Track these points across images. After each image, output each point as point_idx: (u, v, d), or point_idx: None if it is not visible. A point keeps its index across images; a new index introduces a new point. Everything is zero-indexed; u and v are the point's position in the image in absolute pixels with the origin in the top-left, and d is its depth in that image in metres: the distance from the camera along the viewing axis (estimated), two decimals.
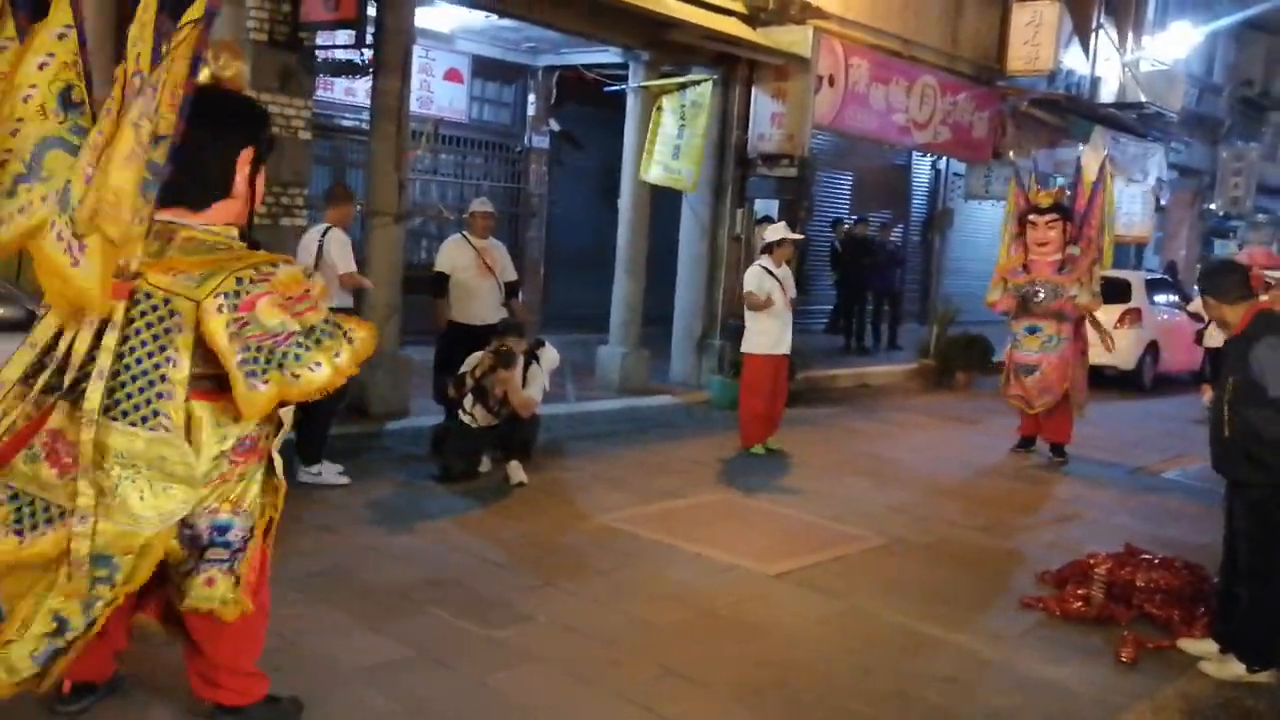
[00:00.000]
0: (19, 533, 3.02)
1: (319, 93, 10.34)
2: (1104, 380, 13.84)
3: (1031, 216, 9.06)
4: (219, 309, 2.99)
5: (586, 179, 14.21)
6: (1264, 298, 5.71)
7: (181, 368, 3.04)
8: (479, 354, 7.19)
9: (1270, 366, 4.43)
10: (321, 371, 3.11)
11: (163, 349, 3.04)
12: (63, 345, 3.06)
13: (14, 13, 2.96)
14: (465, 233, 8.42)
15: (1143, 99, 18.41)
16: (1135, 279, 14.91)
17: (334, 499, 6.47)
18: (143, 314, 3.05)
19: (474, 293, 8.13)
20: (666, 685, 4.21)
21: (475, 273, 8.18)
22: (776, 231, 8.79)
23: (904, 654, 4.71)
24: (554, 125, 13.70)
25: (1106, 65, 18.16)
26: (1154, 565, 5.61)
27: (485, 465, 7.29)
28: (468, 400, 7.14)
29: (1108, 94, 18.31)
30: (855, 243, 15.14)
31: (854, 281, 15.10)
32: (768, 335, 8.49)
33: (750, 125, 11.70)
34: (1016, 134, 16.44)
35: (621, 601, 5.09)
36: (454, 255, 8.26)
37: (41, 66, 2.89)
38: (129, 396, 3.03)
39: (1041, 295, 8.92)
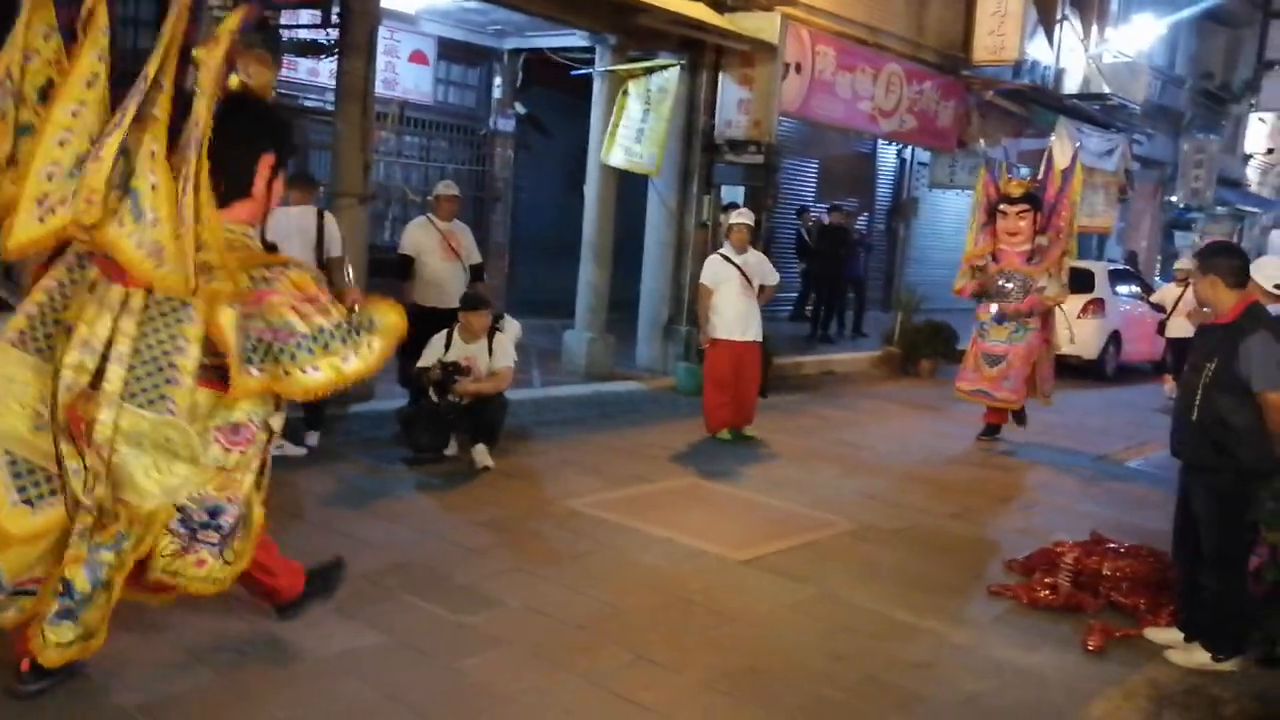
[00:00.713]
0: (29, 502, 3.26)
1: (283, 73, 10.19)
2: (1067, 370, 13.96)
3: (1003, 206, 9.00)
4: (228, 301, 3.24)
5: (552, 163, 14.11)
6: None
7: (190, 356, 3.25)
8: (439, 337, 7.16)
9: (1261, 361, 4.43)
10: (316, 376, 3.36)
11: (174, 338, 3.26)
12: (83, 329, 3.24)
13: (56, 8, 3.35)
14: (430, 215, 8.34)
15: (1106, 90, 18.56)
16: (1098, 269, 15.05)
17: (299, 483, 6.38)
18: (158, 304, 3.26)
19: (438, 276, 8.06)
20: (638, 671, 4.17)
21: (440, 256, 8.11)
22: (732, 216, 8.85)
23: (875, 640, 4.71)
24: (520, 109, 13.59)
25: (1071, 56, 18.28)
26: (1120, 553, 5.64)
27: (452, 449, 7.23)
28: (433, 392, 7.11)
29: (1072, 85, 18.44)
30: (822, 231, 15.14)
31: (821, 269, 15.08)
32: (724, 320, 8.46)
33: (717, 111, 11.65)
34: (982, 124, 16.51)
35: (592, 587, 5.05)
36: (418, 238, 8.19)
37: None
38: (138, 380, 3.23)
39: (1010, 286, 8.89)
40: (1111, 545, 5.83)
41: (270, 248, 3.67)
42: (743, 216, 8.78)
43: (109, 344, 3.21)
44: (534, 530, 5.88)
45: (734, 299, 8.47)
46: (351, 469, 6.86)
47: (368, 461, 7.07)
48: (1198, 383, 4.60)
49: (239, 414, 3.41)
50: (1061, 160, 9.86)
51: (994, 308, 9.01)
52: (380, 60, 9.97)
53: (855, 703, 4.07)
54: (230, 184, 3.38)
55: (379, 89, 9.83)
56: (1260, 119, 27.76)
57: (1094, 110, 18.84)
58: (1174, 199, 23.98)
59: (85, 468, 3.22)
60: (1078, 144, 16.09)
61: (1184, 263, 13.96)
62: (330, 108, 9.03)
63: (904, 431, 9.75)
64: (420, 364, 7.19)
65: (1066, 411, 10.59)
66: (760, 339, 8.70)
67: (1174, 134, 23.41)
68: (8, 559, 3.28)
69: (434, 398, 7.10)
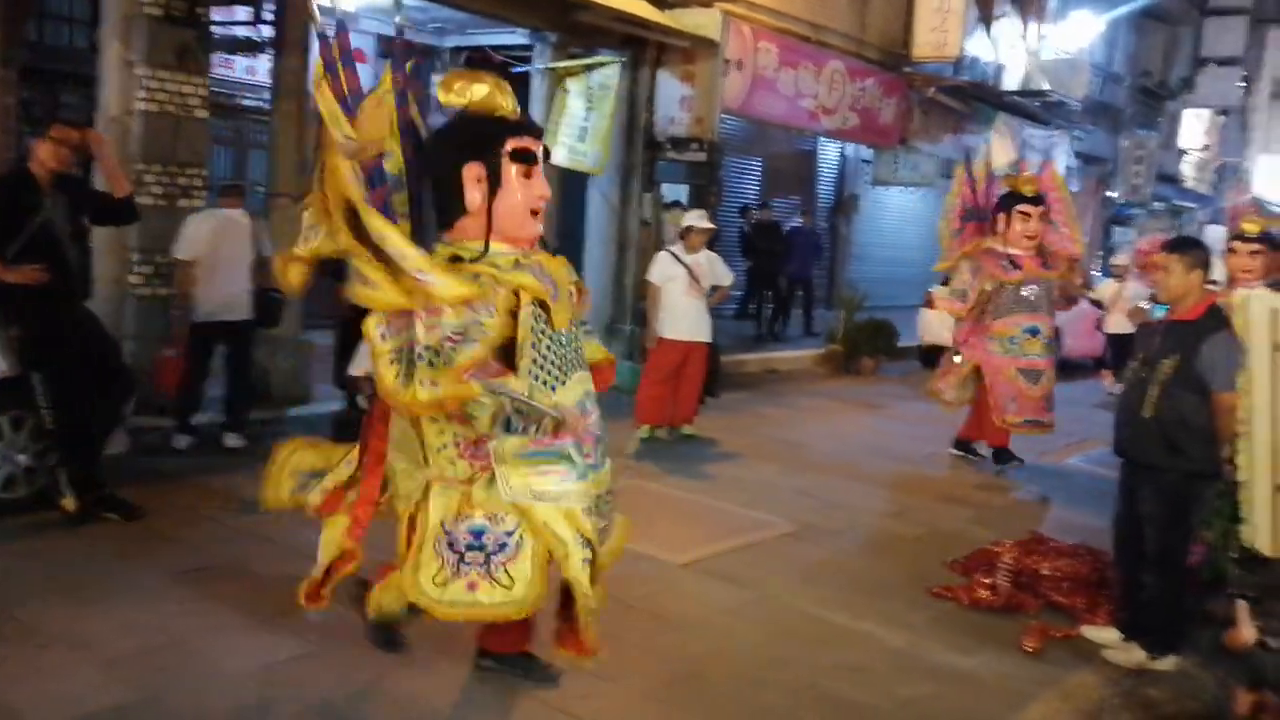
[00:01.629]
0: None
1: (220, 71, 10.01)
2: None
3: (1022, 208, 8.07)
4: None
5: None
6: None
7: None
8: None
9: (1221, 362, 4.40)
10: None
11: None
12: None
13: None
14: None
15: (1046, 87, 18.75)
16: None
17: (229, 486, 6.24)
18: None
19: None
20: (575, 681, 4.09)
21: None
22: (688, 219, 8.75)
23: (816, 644, 4.67)
24: None
25: (1011, 53, 18.44)
26: (1059, 553, 5.67)
27: None
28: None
29: (1013, 81, 18.60)
30: (757, 228, 15.10)
31: (758, 267, 15.02)
32: (670, 319, 8.41)
33: (658, 108, 11.61)
34: (924, 120, 16.62)
35: None
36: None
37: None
38: None
39: (1034, 296, 8.15)
40: (1051, 545, 5.85)
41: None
42: (702, 220, 8.69)
43: None
44: None
45: (680, 298, 8.41)
46: None
47: None
48: (1150, 379, 4.55)
49: (462, 431, 3.43)
50: (1002, 157, 9.75)
51: (1025, 320, 8.13)
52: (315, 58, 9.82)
53: (796, 710, 4.03)
54: (445, 205, 3.53)
55: None
56: (1196, 115, 28.27)
57: (1034, 107, 19.04)
58: (1114, 195, 24.32)
59: None
60: (1018, 141, 16.24)
61: (1122, 258, 14.15)
62: (268, 106, 8.86)
63: (845, 430, 9.76)
64: (352, 369, 7.06)
65: None
66: (708, 339, 8.65)
67: (1113, 130, 23.74)
68: None
69: (365, 406, 6.97)
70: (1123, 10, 21.36)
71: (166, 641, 4.06)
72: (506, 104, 3.53)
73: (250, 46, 8.80)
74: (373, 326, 3.34)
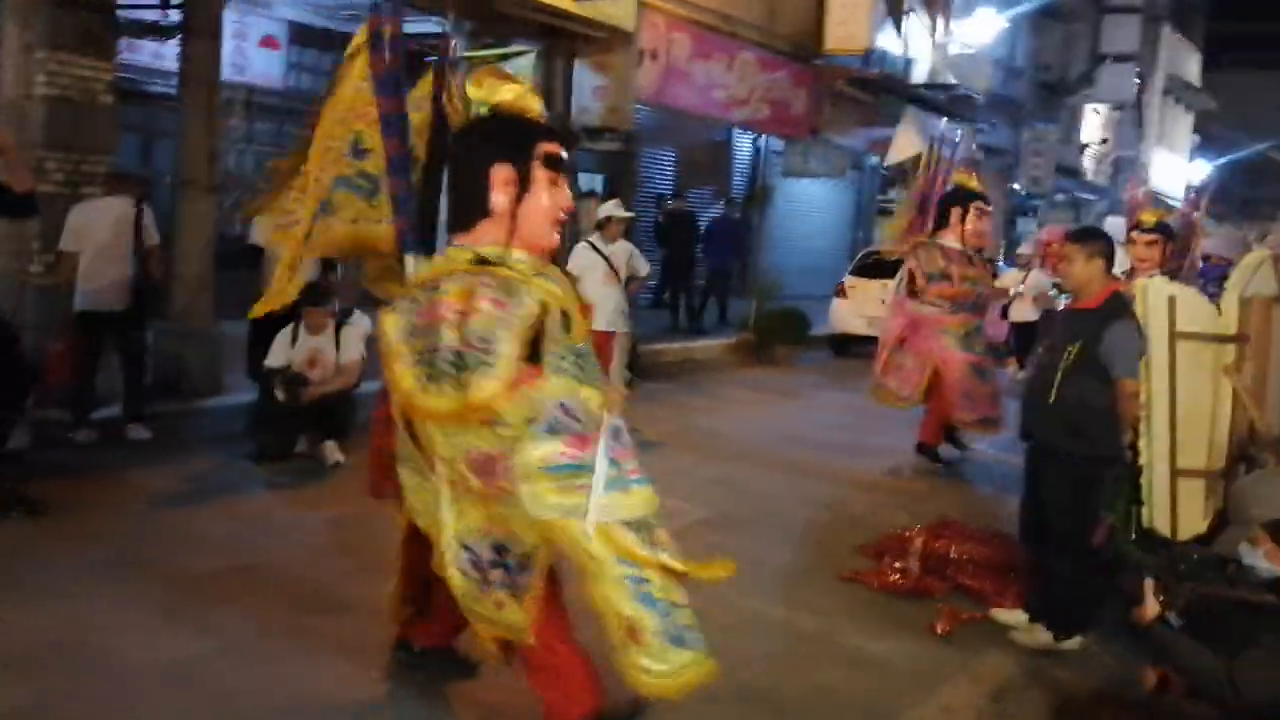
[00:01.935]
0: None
1: (125, 56, 9.74)
2: None
3: (980, 205, 8.05)
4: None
5: None
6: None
7: None
8: (286, 331, 6.96)
9: (1122, 348, 4.57)
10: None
11: None
12: None
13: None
14: None
15: (952, 81, 19.16)
16: None
17: (137, 480, 6.10)
18: None
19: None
20: (488, 675, 4.09)
21: None
22: (605, 209, 8.77)
23: (728, 632, 4.71)
24: None
25: (918, 47, 18.80)
26: (967, 537, 5.80)
27: (302, 445, 7.01)
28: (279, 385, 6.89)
29: (919, 75, 18.97)
30: (670, 217, 15.11)
31: (670, 257, 14.98)
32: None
33: (573, 99, 11.59)
34: (834, 112, 16.86)
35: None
36: (269, 229, 7.91)
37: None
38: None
39: (980, 290, 8.11)
40: (959, 529, 6.00)
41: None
42: (619, 209, 8.73)
43: None
44: (385, 528, 5.67)
45: (599, 288, 8.42)
46: (196, 466, 6.60)
47: (214, 458, 6.82)
48: (1055, 365, 4.66)
49: (479, 442, 3.09)
50: (909, 149, 9.91)
51: (973, 319, 8.10)
52: (228, 44, 9.62)
53: (708, 699, 4.01)
54: (468, 206, 3.27)
55: (227, 74, 9.49)
56: (1095, 110, 29.12)
57: (940, 100, 19.44)
58: (1016, 186, 24.95)
59: None
60: (925, 134, 16.47)
61: (1026, 249, 14.52)
62: (176, 93, 8.66)
63: (759, 418, 9.88)
64: (269, 361, 6.98)
65: None
66: (624, 329, 8.68)
67: (1014, 124, 24.34)
68: None
69: (280, 397, 6.88)
70: (1024, 7, 21.90)
71: (71, 639, 3.97)
72: (537, 107, 3.36)
73: (156, 31, 8.58)
74: (391, 326, 3.13)
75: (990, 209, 8.11)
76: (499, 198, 3.21)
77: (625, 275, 8.58)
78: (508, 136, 3.27)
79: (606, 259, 8.44)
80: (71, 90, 7.37)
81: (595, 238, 8.61)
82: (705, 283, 15.26)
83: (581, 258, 8.46)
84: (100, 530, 5.31)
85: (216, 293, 8.33)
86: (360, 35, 3.37)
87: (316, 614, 4.48)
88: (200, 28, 8.04)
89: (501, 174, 3.21)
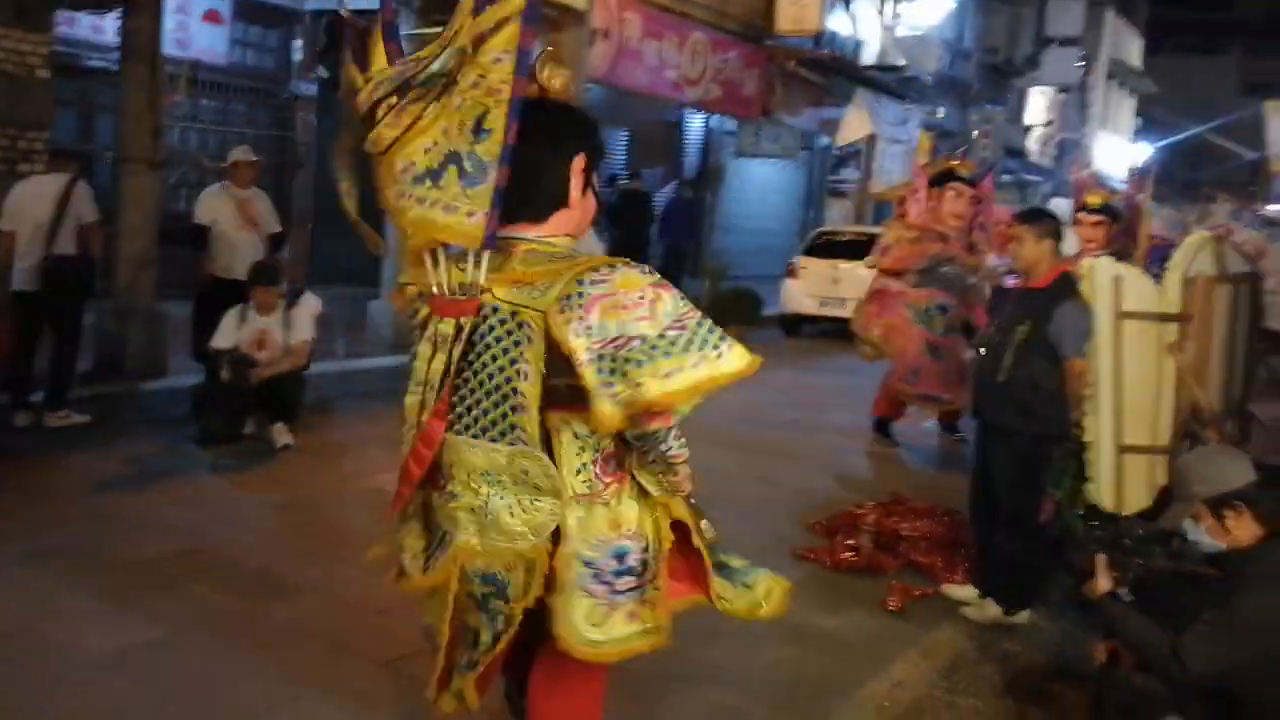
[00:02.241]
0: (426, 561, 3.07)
1: (63, 30, 9.52)
2: None
3: (955, 185, 8.15)
4: (562, 312, 2.75)
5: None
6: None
7: (533, 380, 2.83)
8: (234, 312, 6.86)
9: (1070, 328, 4.63)
10: (678, 378, 2.79)
11: (513, 362, 2.85)
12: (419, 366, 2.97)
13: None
14: (227, 183, 7.93)
15: (901, 62, 19.25)
16: None
17: (79, 464, 5.98)
18: (491, 329, 2.89)
19: (236, 246, 7.68)
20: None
21: (237, 225, 7.74)
22: None
23: (682, 612, 4.73)
24: (322, 72, 13.04)
25: (868, 29, 18.87)
26: (918, 513, 5.87)
27: (249, 427, 6.91)
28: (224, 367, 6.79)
29: (869, 56, 19.04)
30: (624, 196, 15.05)
31: (623, 238, 14.74)
32: None
33: None
34: (785, 93, 16.88)
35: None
36: (214, 206, 7.79)
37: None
38: (485, 413, 2.88)
39: (953, 272, 8.07)
40: (910, 506, 6.06)
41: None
42: None
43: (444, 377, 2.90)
44: (335, 511, 5.68)
45: None
46: (140, 449, 6.49)
47: (158, 441, 6.71)
48: (1005, 345, 4.71)
49: (608, 442, 2.91)
50: (859, 130, 9.90)
51: (939, 296, 8.01)
52: (171, 19, 9.44)
53: (661, 676, 4.07)
54: (547, 196, 3.01)
55: (170, 49, 9.32)
56: (1040, 92, 29.45)
57: (890, 81, 19.54)
58: None
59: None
60: (875, 115, 16.59)
61: None
62: (116, 68, 8.46)
63: (712, 397, 9.86)
64: (214, 342, 6.87)
65: (864, 375, 10.94)
66: None
67: (962, 106, 24.53)
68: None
69: (226, 378, 6.77)
70: None
71: (11, 629, 3.88)
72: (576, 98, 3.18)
73: (95, 4, 8.37)
74: (577, 343, 2.76)
75: (970, 192, 8.19)
76: (578, 188, 3.03)
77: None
78: (587, 126, 3.10)
79: None
80: (7, 64, 7.20)
81: None
82: (661, 263, 15.21)
83: None
84: (41, 516, 5.20)
85: (160, 271, 8.17)
86: (512, 2, 2.97)
87: (265, 600, 4.43)
88: (141, 2, 7.86)
89: (581, 163, 3.03)
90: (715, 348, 2.83)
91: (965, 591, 5.04)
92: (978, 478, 4.99)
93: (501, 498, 2.89)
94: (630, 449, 2.92)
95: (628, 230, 14.90)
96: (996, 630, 4.77)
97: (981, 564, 5.04)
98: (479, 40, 2.90)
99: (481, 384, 2.90)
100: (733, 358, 2.85)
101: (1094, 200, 5.94)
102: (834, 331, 14.12)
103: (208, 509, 5.53)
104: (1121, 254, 5.76)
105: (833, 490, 6.90)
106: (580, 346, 2.73)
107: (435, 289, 2.91)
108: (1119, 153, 33.46)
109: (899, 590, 5.03)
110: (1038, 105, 29.67)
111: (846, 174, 21.46)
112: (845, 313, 14.20)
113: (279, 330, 6.93)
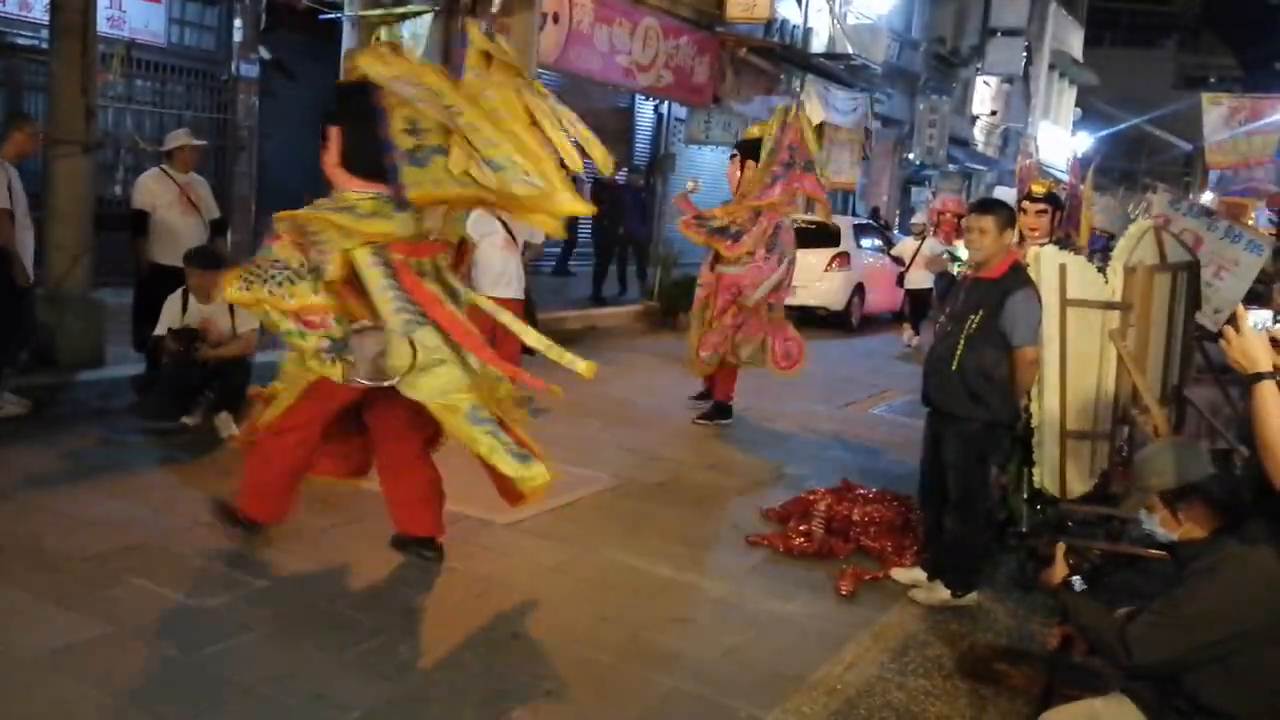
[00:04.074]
0: None
1: None
2: (815, 320, 14.57)
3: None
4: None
5: (300, 111, 13.37)
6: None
7: None
8: (175, 299, 6.73)
9: (1022, 318, 4.68)
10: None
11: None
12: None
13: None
14: (165, 166, 7.76)
15: (850, 50, 19.35)
16: (844, 224, 15.70)
17: (14, 457, 5.83)
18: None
19: (176, 232, 7.51)
20: (395, 646, 4.03)
21: (177, 210, 7.57)
22: None
23: (638, 597, 4.74)
24: (264, 53, 12.83)
25: (818, 17, 18.94)
26: (868, 499, 5.92)
27: (195, 418, 6.77)
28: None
29: (819, 45, 19.12)
30: (605, 188, 14.83)
31: (601, 228, 14.54)
32: (485, 276, 8.29)
33: None
34: (735, 80, 16.90)
35: (345, 560, 4.86)
36: (154, 191, 7.61)
37: None
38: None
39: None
40: (860, 492, 6.10)
41: None
42: None
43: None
44: None
45: (495, 254, 8.29)
46: (79, 442, 6.33)
47: (98, 433, 6.55)
48: (956, 334, 4.76)
49: None
50: (812, 118, 9.83)
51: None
52: None
53: (618, 663, 4.08)
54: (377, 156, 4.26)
55: (103, 27, 9.07)
56: (985, 82, 29.77)
57: (839, 70, 19.63)
58: (911, 156, 25.37)
59: None
60: (825, 103, 16.63)
61: (920, 218, 14.79)
62: (45, 46, 8.22)
63: (663, 385, 9.89)
64: (157, 330, 6.73)
65: (814, 362, 10.97)
66: (520, 296, 8.56)
67: (910, 95, 24.72)
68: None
69: (172, 348, 6.62)
70: None
71: None
72: None
73: None
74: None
75: (737, 159, 8.24)
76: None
77: (523, 241, 8.46)
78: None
79: (504, 223, 8.30)
80: None
81: None
82: (621, 254, 15.04)
83: (480, 222, 8.30)
84: None
85: (97, 258, 7.95)
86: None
87: (211, 594, 4.35)
88: None
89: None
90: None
91: (914, 574, 5.10)
92: (927, 463, 5.03)
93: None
94: None
95: (606, 222, 14.40)
96: (945, 612, 4.83)
97: (931, 547, 5.09)
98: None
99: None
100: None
101: (1039, 189, 6.00)
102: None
103: (150, 502, 5.41)
104: (1063, 242, 5.82)
105: (783, 476, 6.93)
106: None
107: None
108: (1060, 143, 33.94)
109: (851, 574, 5.07)
110: (982, 95, 29.99)
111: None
112: (795, 299, 14.37)
113: (223, 318, 6.79)
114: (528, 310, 8.79)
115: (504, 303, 8.36)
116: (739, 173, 8.25)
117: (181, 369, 6.63)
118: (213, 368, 6.68)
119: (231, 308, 6.81)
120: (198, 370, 6.66)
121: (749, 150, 8.25)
